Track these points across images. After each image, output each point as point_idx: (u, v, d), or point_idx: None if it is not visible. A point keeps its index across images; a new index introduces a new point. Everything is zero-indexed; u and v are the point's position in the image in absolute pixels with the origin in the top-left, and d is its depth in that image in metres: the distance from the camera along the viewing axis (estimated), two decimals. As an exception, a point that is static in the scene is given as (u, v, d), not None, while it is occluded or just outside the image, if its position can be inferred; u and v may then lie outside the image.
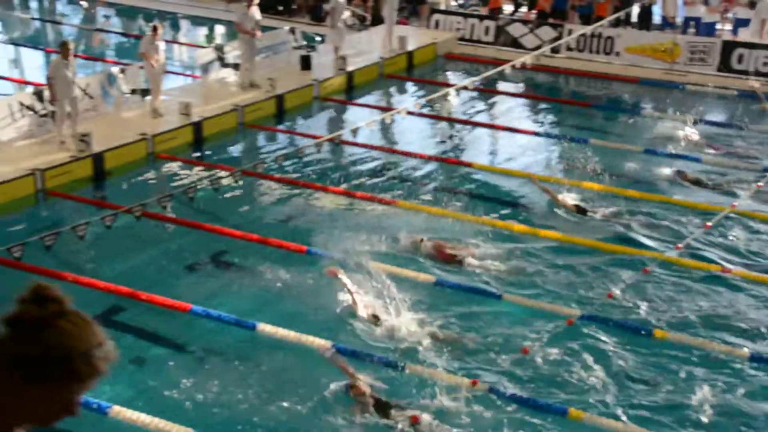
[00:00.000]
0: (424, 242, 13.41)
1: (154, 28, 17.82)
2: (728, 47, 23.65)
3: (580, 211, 14.87)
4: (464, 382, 10.03)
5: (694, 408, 9.96)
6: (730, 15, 25.52)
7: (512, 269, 13.01)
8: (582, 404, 9.87)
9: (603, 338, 11.23)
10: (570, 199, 15.14)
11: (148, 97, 18.38)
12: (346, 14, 23.12)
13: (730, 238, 14.23)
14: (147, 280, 12.34)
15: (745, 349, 11.04)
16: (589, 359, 10.73)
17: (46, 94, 16.66)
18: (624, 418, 9.69)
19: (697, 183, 16.33)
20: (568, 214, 14.84)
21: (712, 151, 18.01)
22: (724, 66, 23.47)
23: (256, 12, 19.94)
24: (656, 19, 26.28)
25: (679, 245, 13.53)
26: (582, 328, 11.34)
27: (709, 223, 14.25)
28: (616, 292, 12.21)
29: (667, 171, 16.82)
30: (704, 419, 9.80)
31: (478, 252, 13.28)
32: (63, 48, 15.99)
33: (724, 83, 22.73)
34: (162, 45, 17.78)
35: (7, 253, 11.52)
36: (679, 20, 26.31)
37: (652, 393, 10.22)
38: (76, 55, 16.38)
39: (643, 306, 12.07)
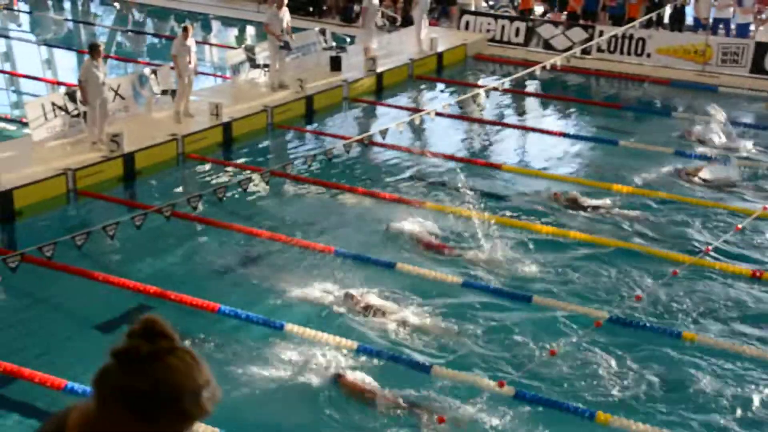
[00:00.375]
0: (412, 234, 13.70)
1: (185, 29, 17.91)
2: (761, 49, 23.41)
3: (577, 206, 14.99)
4: (490, 384, 10.01)
5: (724, 412, 9.88)
6: (763, 16, 25.25)
7: (540, 271, 12.98)
8: (610, 407, 9.82)
9: (631, 341, 11.16)
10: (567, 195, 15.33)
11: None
12: (378, 15, 23.13)
13: (761, 240, 14.11)
14: (176, 280, 12.42)
15: (776, 353, 10.94)
16: (617, 362, 10.67)
17: (79, 94, 16.81)
18: (652, 421, 9.62)
19: (705, 181, 16.30)
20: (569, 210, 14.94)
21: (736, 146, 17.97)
22: (757, 68, 23.25)
23: (285, 13, 20.01)
24: (689, 20, 26.06)
25: (709, 247, 13.42)
26: (610, 331, 11.28)
27: (740, 225, 14.12)
28: (645, 294, 12.13)
29: (669, 169, 16.90)
30: (733, 424, 9.72)
31: (500, 254, 13.25)
32: (93, 50, 16.11)
33: (756, 85, 22.55)
34: (193, 46, 17.86)
35: (38, 252, 11.64)
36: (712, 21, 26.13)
37: (681, 396, 10.15)
38: (108, 56, 16.49)
39: (672, 308, 11.99)
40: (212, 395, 2.36)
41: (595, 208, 14.99)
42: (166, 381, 2.30)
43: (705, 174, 16.42)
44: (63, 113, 16.76)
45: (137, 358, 2.31)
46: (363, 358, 10.60)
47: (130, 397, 2.30)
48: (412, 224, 13.98)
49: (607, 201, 15.19)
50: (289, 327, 11.16)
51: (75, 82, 20.55)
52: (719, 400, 10.04)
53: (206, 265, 12.96)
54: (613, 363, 10.67)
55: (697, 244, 13.89)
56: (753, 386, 10.37)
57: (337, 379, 10.11)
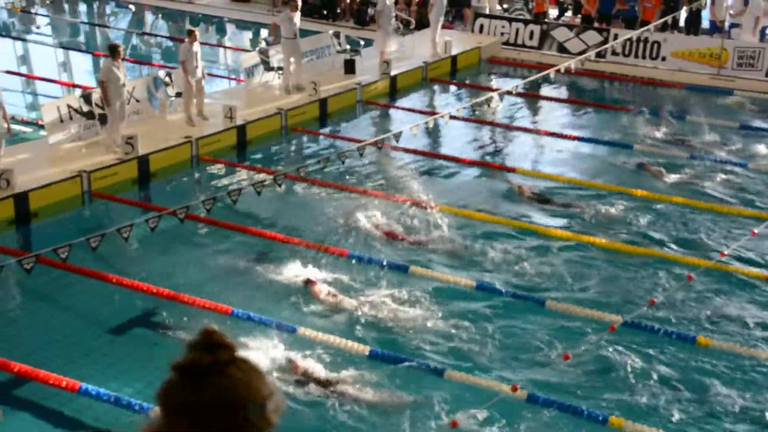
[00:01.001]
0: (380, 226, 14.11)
1: (191, 34, 17.90)
2: (777, 52, 23.33)
3: (542, 200, 15.40)
4: (504, 387, 9.99)
5: (738, 417, 9.83)
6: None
7: (555, 274, 12.96)
8: (624, 412, 9.79)
9: (646, 345, 11.12)
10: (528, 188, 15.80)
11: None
12: (392, 18, 23.15)
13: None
14: (189, 283, 12.44)
15: (791, 359, 10.88)
16: (631, 366, 10.63)
17: (95, 96, 16.87)
18: (666, 426, 9.59)
19: (659, 175, 16.66)
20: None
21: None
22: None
23: (297, 17, 20.09)
24: (705, 23, 25.97)
25: (724, 252, 13.36)
26: (625, 335, 11.24)
27: (756, 230, 14.05)
28: (660, 298, 12.09)
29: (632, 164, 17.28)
30: (748, 429, 9.67)
31: (515, 255, 13.30)
32: (114, 51, 16.15)
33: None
34: (199, 51, 17.82)
35: (53, 254, 11.69)
36: (728, 25, 26.05)
37: (695, 401, 10.10)
38: (123, 59, 16.53)
39: (687, 313, 11.95)
40: (277, 407, 2.32)
41: (566, 205, 15.25)
42: (229, 393, 2.26)
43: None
44: (79, 116, 16.83)
45: (198, 371, 2.28)
46: (375, 362, 10.59)
47: (193, 410, 2.26)
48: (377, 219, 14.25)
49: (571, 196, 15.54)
50: (302, 330, 11.16)
51: (91, 84, 20.70)
52: (734, 405, 9.99)
53: (220, 267, 12.97)
54: (627, 367, 10.63)
55: (712, 248, 13.83)
56: (768, 391, 10.33)
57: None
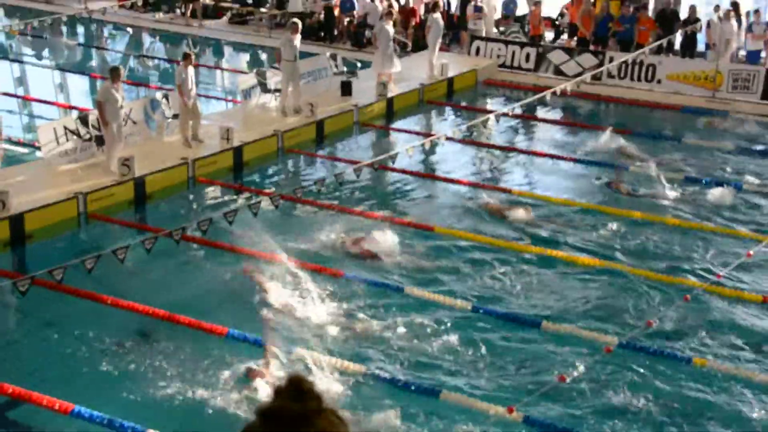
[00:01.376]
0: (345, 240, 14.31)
1: (185, 57, 17.94)
2: (772, 75, 23.43)
3: (500, 215, 15.70)
4: (500, 409, 9.96)
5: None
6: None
7: (551, 296, 12.97)
8: (619, 434, 9.77)
9: (642, 366, 11.12)
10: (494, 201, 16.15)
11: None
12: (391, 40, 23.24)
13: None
14: (185, 304, 12.43)
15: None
16: (626, 388, 10.63)
17: (92, 118, 16.91)
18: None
19: (630, 194, 16.93)
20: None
21: None
22: (768, 94, 23.28)
23: (298, 39, 20.17)
24: (700, 46, 26.08)
25: (720, 274, 13.37)
26: (620, 356, 11.23)
27: (751, 252, 14.07)
28: (656, 320, 12.08)
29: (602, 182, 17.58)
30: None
31: (512, 281, 13.29)
32: (113, 73, 16.20)
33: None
34: (192, 73, 17.83)
35: (49, 275, 11.67)
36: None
37: (691, 422, 10.09)
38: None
39: (683, 334, 11.95)
40: None
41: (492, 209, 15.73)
42: None
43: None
44: (75, 137, 16.85)
45: (286, 419, 2.24)
46: (371, 383, 10.58)
47: None
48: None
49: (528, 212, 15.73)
50: (298, 350, 11.15)
51: (87, 106, 20.74)
52: (729, 426, 9.96)
53: (215, 288, 12.95)
54: (623, 388, 10.62)
55: (708, 269, 13.85)
56: (764, 412, 10.30)
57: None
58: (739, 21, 24.91)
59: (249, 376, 10.56)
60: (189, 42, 28.30)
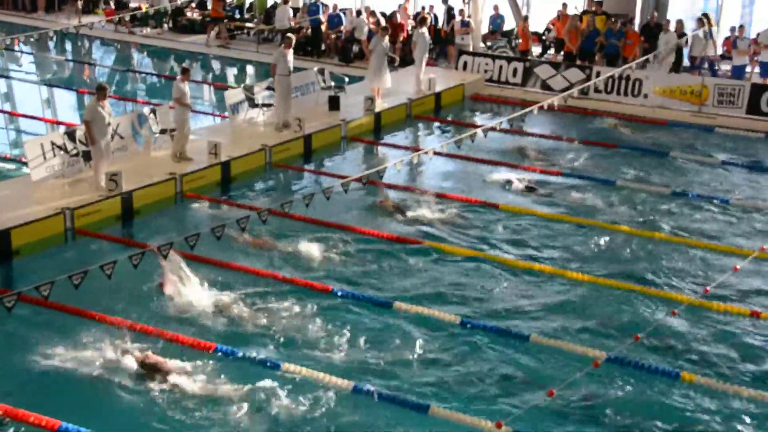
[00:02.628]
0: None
1: (184, 71, 17.99)
2: (757, 90, 23.59)
3: (399, 211, 16.42)
4: (488, 424, 9.95)
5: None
6: (758, 58, 25.43)
7: (540, 309, 13.00)
8: (608, 448, 9.77)
9: (630, 381, 11.13)
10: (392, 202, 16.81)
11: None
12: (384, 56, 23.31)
13: (759, 280, 14.13)
14: (172, 319, 12.40)
15: (775, 395, 10.89)
16: (615, 402, 10.64)
17: (79, 133, 16.88)
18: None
19: (530, 190, 17.86)
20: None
21: None
22: (753, 109, 23.42)
23: (291, 54, 20.26)
24: (686, 61, 26.23)
25: (708, 288, 13.41)
26: (609, 370, 11.23)
27: (738, 266, 14.12)
28: (643, 334, 12.09)
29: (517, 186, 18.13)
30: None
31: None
32: (100, 90, 16.17)
33: (753, 126, 22.77)
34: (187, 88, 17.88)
35: (35, 291, 11.59)
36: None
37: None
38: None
39: (671, 349, 11.97)
40: None
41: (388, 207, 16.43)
42: None
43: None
44: (62, 153, 16.81)
45: None
46: (359, 398, 10.55)
47: None
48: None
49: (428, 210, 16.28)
50: (286, 366, 11.13)
51: (74, 121, 20.70)
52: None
53: (203, 303, 12.88)
54: (611, 403, 10.63)
55: (695, 284, 13.90)
56: (752, 428, 10.32)
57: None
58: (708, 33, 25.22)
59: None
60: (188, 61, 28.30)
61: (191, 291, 12.99)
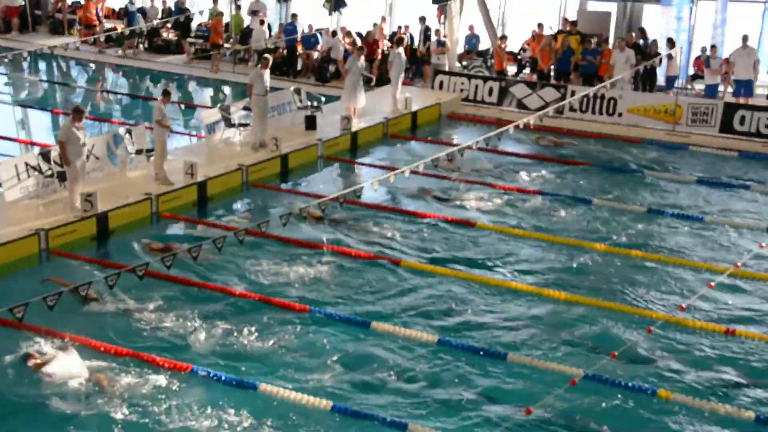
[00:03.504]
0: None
1: (165, 93, 17.92)
2: (730, 109, 23.84)
3: (318, 218, 16.69)
4: (467, 443, 9.95)
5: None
6: (731, 77, 25.72)
7: (515, 328, 13.02)
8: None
9: (607, 398, 11.16)
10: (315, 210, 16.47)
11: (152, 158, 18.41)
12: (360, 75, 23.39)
13: (734, 297, 14.23)
14: (148, 341, 12.33)
15: (751, 412, 10.94)
16: (592, 420, 10.65)
17: (54, 154, 16.79)
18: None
19: (441, 200, 18.42)
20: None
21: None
22: (726, 127, 23.66)
23: (267, 74, 20.28)
24: (660, 80, 26.47)
25: (683, 305, 13.49)
26: (586, 388, 11.25)
27: (713, 283, 14.22)
28: (619, 352, 12.13)
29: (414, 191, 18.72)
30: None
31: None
32: (76, 113, 16.07)
33: (726, 144, 23.00)
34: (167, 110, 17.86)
35: (9, 313, 11.50)
36: (682, 82, 26.66)
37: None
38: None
39: (647, 366, 12.02)
40: None
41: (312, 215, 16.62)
42: None
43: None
44: (36, 173, 16.71)
45: None
46: (338, 418, 10.52)
47: None
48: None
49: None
50: (264, 387, 11.09)
51: (49, 142, 20.57)
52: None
53: (179, 325, 12.82)
54: (589, 421, 10.65)
55: (670, 301, 13.98)
56: (729, 444, 10.38)
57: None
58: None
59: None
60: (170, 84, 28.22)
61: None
